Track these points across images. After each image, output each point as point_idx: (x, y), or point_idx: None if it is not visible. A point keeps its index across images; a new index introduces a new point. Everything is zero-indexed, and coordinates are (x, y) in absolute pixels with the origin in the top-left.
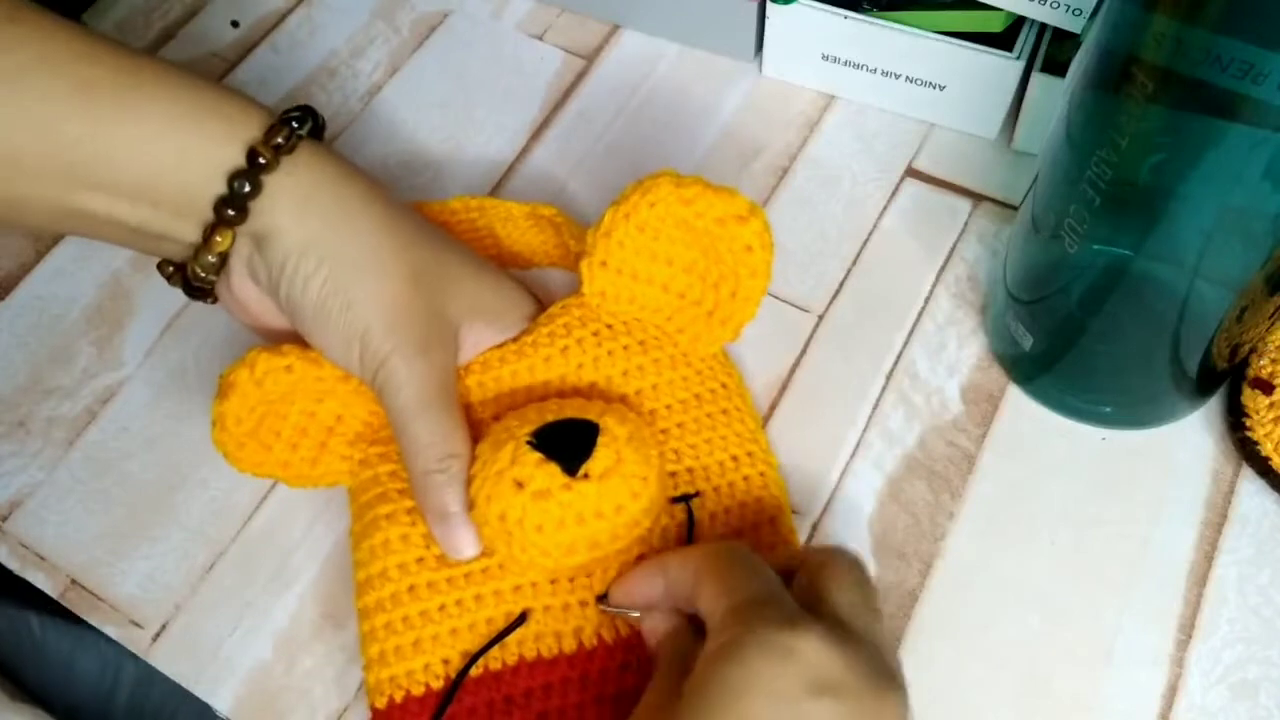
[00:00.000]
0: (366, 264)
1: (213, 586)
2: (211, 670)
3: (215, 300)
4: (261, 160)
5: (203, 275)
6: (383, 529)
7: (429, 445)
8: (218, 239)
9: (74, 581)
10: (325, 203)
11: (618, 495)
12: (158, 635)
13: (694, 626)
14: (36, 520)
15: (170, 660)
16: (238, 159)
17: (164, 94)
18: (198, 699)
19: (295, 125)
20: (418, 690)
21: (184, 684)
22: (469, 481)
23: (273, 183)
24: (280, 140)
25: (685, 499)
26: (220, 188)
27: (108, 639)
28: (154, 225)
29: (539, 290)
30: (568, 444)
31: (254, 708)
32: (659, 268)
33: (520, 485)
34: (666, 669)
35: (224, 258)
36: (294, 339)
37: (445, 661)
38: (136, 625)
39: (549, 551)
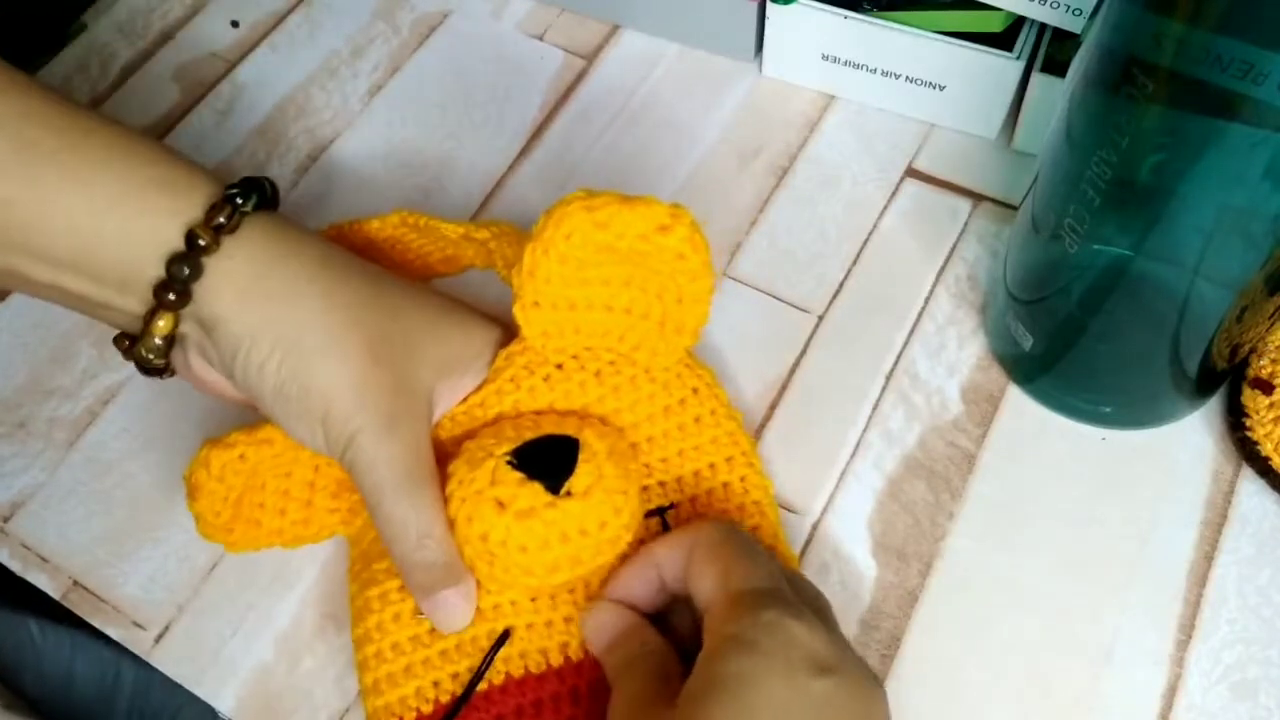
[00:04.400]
0: (320, 346)
1: (215, 588)
2: (213, 671)
3: (172, 374)
4: (201, 243)
5: (150, 358)
6: (380, 582)
7: (403, 526)
8: (160, 323)
9: (76, 583)
10: (270, 287)
11: (601, 511)
12: (160, 636)
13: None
14: (38, 521)
15: (172, 662)
16: (176, 241)
17: (108, 161)
18: (197, 702)
19: (240, 202)
20: (410, 716)
21: (186, 685)
22: (447, 500)
23: (214, 265)
24: (222, 220)
25: (659, 512)
26: (159, 271)
27: (106, 643)
28: (97, 298)
29: (502, 311)
30: (548, 461)
31: (256, 709)
32: (595, 291)
33: (502, 505)
34: (638, 670)
35: (169, 341)
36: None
37: (435, 684)
38: (139, 626)
39: (533, 571)
